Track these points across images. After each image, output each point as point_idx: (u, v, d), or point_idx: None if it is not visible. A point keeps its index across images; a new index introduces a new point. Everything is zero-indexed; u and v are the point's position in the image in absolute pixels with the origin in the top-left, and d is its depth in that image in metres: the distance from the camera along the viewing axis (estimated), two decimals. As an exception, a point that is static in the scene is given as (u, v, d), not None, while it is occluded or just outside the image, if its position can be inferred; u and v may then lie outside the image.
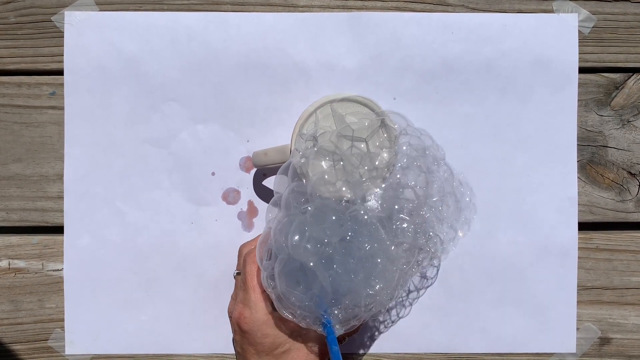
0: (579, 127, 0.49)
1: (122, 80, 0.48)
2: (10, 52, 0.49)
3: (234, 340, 0.43)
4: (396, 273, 0.39)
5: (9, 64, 0.49)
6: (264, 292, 0.40)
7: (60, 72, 0.48)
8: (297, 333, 0.41)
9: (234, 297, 0.44)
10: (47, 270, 0.49)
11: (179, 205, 0.49)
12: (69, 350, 0.49)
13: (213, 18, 0.48)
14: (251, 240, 0.45)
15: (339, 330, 0.38)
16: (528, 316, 0.49)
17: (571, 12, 0.49)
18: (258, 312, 0.40)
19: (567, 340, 0.49)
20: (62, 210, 0.49)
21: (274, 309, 0.40)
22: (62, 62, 0.48)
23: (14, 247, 0.49)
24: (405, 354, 0.50)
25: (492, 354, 0.49)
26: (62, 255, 0.49)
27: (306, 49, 0.48)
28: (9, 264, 0.49)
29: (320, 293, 0.37)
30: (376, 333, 0.49)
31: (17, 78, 0.49)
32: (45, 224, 0.49)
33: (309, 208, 0.38)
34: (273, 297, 0.38)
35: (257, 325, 0.40)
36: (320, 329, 0.38)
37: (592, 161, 0.49)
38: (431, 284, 0.48)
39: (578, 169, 0.49)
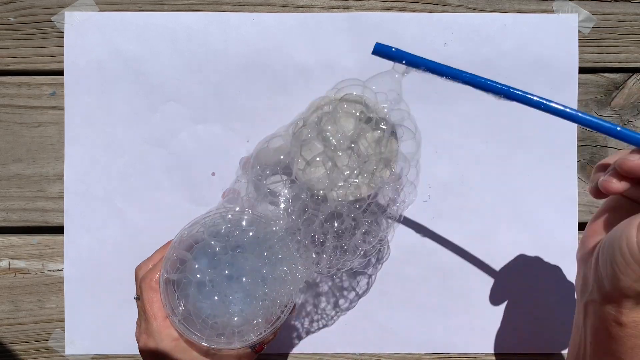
0: (579, 127, 0.49)
1: (122, 81, 0.48)
2: (10, 53, 0.49)
3: None
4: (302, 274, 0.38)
5: (9, 64, 0.49)
6: (166, 318, 0.38)
7: (60, 72, 0.49)
8: (210, 353, 0.39)
9: (139, 323, 0.41)
10: (47, 271, 0.49)
11: (179, 205, 0.49)
12: (69, 350, 0.49)
13: (213, 18, 0.48)
14: (146, 260, 0.42)
15: (252, 339, 0.38)
16: (528, 316, 0.49)
17: (571, 12, 0.49)
18: (163, 341, 0.38)
19: (567, 341, 0.49)
20: (62, 211, 0.49)
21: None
22: (62, 62, 0.48)
23: (14, 247, 0.49)
24: (406, 354, 0.50)
25: (492, 354, 0.49)
26: (62, 255, 0.49)
27: (306, 49, 0.48)
28: (9, 264, 0.49)
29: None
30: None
31: (17, 78, 0.49)
32: (46, 224, 0.49)
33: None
34: (176, 323, 0.37)
35: (165, 354, 0.38)
36: (234, 345, 0.38)
37: (592, 161, 0.49)
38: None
39: (578, 169, 0.49)
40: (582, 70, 0.49)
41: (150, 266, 0.40)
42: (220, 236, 0.38)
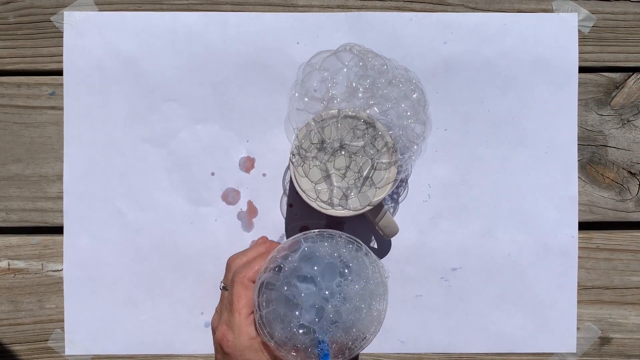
0: (579, 126, 0.49)
1: (121, 80, 0.48)
2: (9, 53, 0.49)
3: (215, 357, 0.42)
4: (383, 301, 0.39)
5: (9, 64, 0.49)
6: (249, 315, 0.40)
7: (59, 72, 0.48)
8: (279, 358, 0.40)
9: (219, 312, 0.42)
10: (47, 271, 0.49)
11: (178, 205, 0.49)
12: (69, 350, 0.49)
13: (212, 18, 0.48)
14: (240, 253, 0.43)
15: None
16: (528, 316, 0.49)
17: (571, 11, 0.49)
18: (241, 337, 0.39)
19: (567, 340, 0.49)
20: (61, 211, 0.49)
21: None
22: (61, 62, 0.48)
23: (14, 247, 0.49)
24: (406, 353, 0.50)
25: (492, 354, 0.49)
26: (62, 255, 0.49)
27: (306, 49, 0.48)
28: (9, 265, 0.49)
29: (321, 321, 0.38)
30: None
31: (16, 78, 0.49)
32: (45, 224, 0.49)
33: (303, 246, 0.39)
34: (260, 322, 0.38)
35: (240, 349, 0.39)
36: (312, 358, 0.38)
37: (592, 161, 0.49)
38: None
39: (578, 168, 0.49)
40: (582, 70, 0.49)
41: (245, 260, 0.42)
42: (322, 255, 0.39)
